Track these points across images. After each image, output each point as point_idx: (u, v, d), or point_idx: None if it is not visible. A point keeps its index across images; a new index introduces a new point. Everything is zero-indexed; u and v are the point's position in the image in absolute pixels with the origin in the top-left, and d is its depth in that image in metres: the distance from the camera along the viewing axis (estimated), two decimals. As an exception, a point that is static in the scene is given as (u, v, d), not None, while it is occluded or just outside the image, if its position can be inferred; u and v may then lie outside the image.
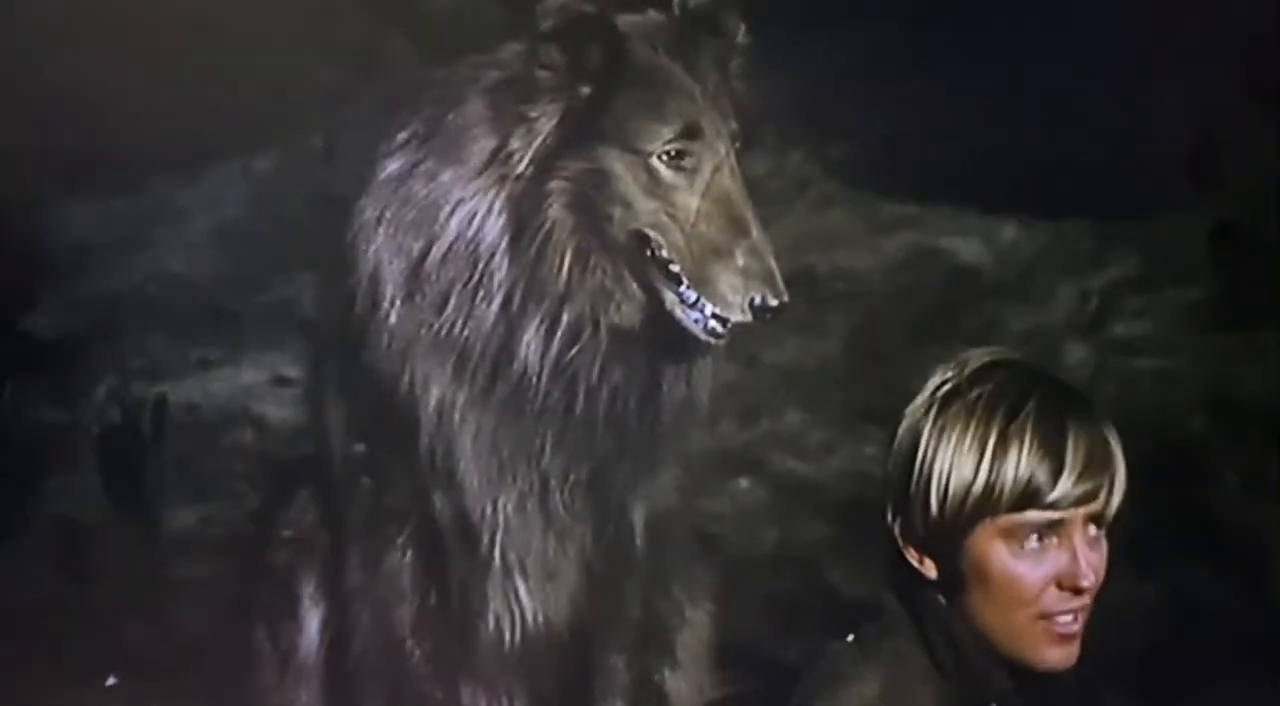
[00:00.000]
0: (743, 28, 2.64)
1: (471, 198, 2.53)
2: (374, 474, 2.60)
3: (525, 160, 2.52)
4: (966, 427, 2.52)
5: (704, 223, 2.52)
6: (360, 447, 2.61)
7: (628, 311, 2.56)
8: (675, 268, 2.51)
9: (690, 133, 2.52)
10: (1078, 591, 2.52)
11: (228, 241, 3.96)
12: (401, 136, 2.58)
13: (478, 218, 2.53)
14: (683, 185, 2.53)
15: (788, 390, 4.22)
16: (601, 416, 2.61)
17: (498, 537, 2.60)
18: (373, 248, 2.57)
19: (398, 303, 2.55)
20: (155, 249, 4.24)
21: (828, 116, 4.52)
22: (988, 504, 2.50)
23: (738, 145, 2.55)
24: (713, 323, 2.53)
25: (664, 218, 2.53)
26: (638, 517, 2.67)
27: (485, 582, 2.60)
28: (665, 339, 2.56)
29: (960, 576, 2.53)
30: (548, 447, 2.60)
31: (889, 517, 2.61)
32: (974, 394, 2.56)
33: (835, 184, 4.66)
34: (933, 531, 2.56)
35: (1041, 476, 2.49)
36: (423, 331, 2.56)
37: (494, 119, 2.53)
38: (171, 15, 3.53)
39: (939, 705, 2.52)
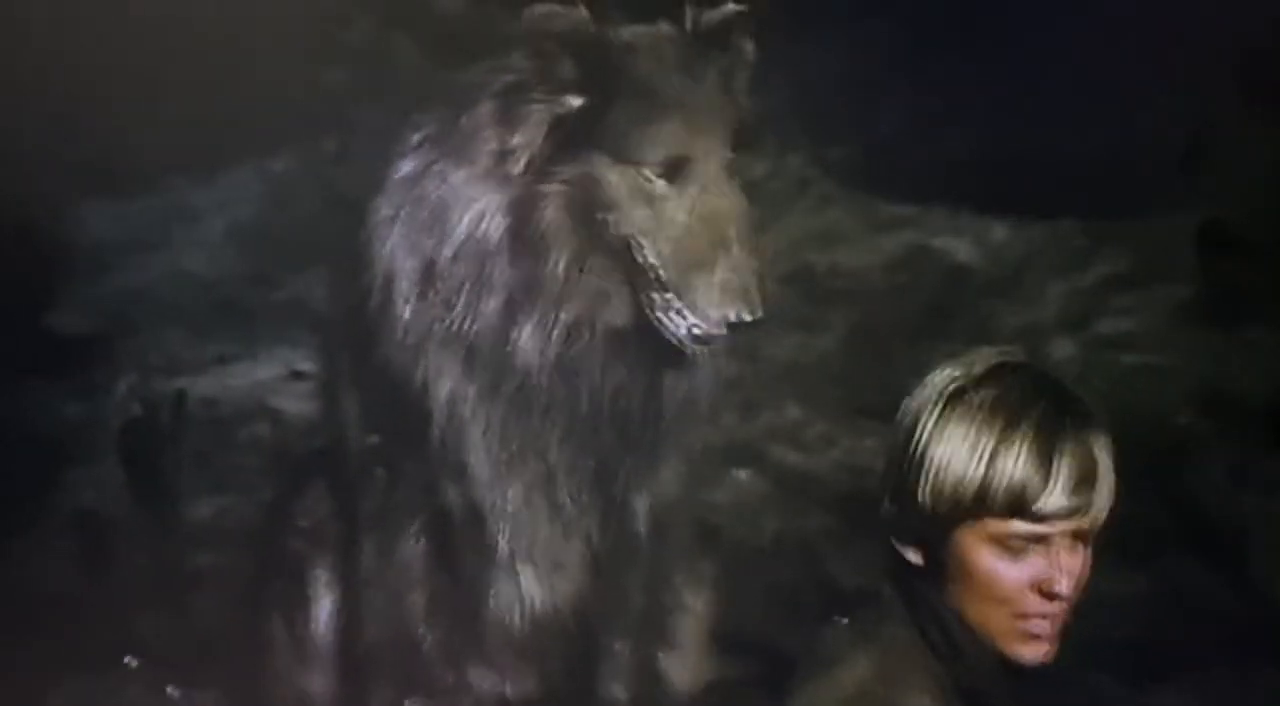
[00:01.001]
0: (752, 45, 2.64)
1: (480, 198, 2.54)
2: (387, 466, 2.61)
3: (523, 163, 2.53)
4: (968, 427, 2.54)
5: (689, 236, 2.53)
6: (374, 440, 2.62)
7: (622, 313, 2.57)
8: (661, 274, 2.53)
9: (684, 147, 2.53)
10: (1054, 597, 2.53)
11: (243, 240, 3.97)
12: (415, 138, 2.60)
13: (484, 218, 2.54)
14: (672, 197, 2.54)
15: (788, 385, 4.22)
16: (605, 412, 2.62)
17: (506, 528, 2.61)
18: (388, 245, 2.58)
19: (412, 299, 2.57)
20: (172, 248, 4.25)
21: (827, 120, 4.54)
22: (978, 505, 2.52)
23: (732, 161, 2.56)
24: (693, 331, 2.54)
25: (652, 226, 2.54)
26: (640, 509, 2.68)
27: (493, 571, 2.61)
28: (659, 340, 2.57)
29: (945, 568, 2.55)
30: (554, 442, 2.61)
31: (885, 507, 2.65)
32: (980, 396, 2.57)
33: (834, 185, 4.68)
34: (923, 523, 2.58)
35: (1032, 486, 2.50)
36: (435, 327, 2.57)
37: (499, 123, 2.54)
38: (187, 19, 3.54)
39: (932, 687, 2.56)
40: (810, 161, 4.64)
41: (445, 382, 2.58)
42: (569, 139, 2.51)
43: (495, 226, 2.55)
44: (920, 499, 2.56)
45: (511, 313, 2.56)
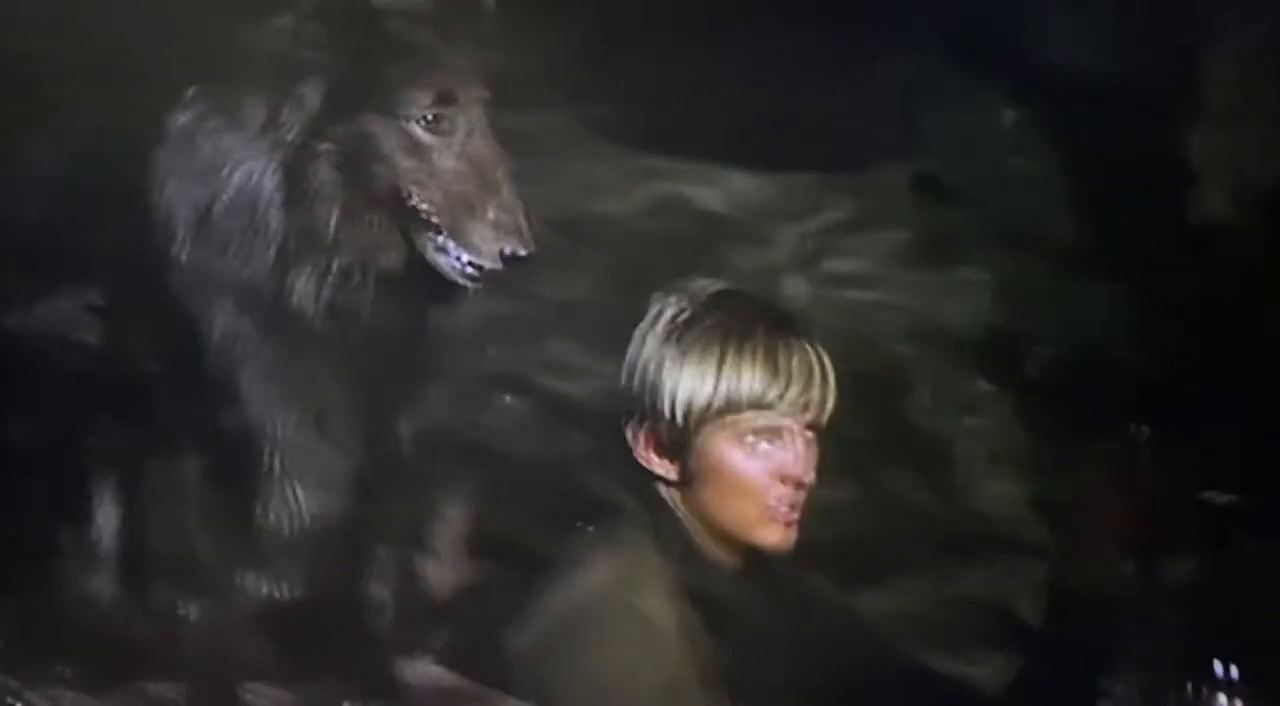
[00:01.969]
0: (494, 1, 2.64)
1: (250, 158, 2.53)
2: (170, 393, 2.59)
3: (295, 129, 2.51)
4: (704, 347, 2.68)
5: (459, 181, 2.52)
6: (158, 369, 2.60)
7: (394, 257, 2.55)
8: (434, 219, 2.52)
9: (445, 100, 2.52)
10: (797, 485, 2.68)
11: (46, 187, 3.90)
12: (190, 93, 2.57)
13: (255, 176, 2.53)
14: (439, 147, 2.53)
15: (553, 320, 4.16)
16: (376, 348, 2.61)
17: (278, 451, 2.59)
18: (166, 194, 2.56)
19: (189, 244, 2.54)
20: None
21: (591, 82, 4.48)
22: (722, 410, 2.66)
23: (491, 111, 2.56)
24: (468, 269, 2.53)
25: (423, 175, 2.53)
26: (406, 432, 2.68)
27: (266, 487, 2.59)
28: (431, 281, 2.57)
29: (696, 475, 2.66)
30: (325, 376, 2.60)
31: (630, 426, 2.71)
32: (709, 321, 2.69)
33: (598, 141, 4.60)
34: (675, 438, 2.68)
35: (767, 389, 2.66)
36: (210, 271, 2.55)
37: (267, 90, 2.52)
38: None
39: (665, 587, 2.66)
40: (576, 120, 4.56)
41: (220, 320, 2.56)
42: (337, 100, 2.50)
43: (267, 183, 2.53)
44: (669, 414, 2.67)
45: (285, 261, 2.55)
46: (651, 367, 2.74)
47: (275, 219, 2.54)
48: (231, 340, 2.57)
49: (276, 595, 2.64)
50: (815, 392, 2.72)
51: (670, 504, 2.73)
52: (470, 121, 2.54)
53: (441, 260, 2.53)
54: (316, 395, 2.61)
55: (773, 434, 2.70)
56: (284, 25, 2.55)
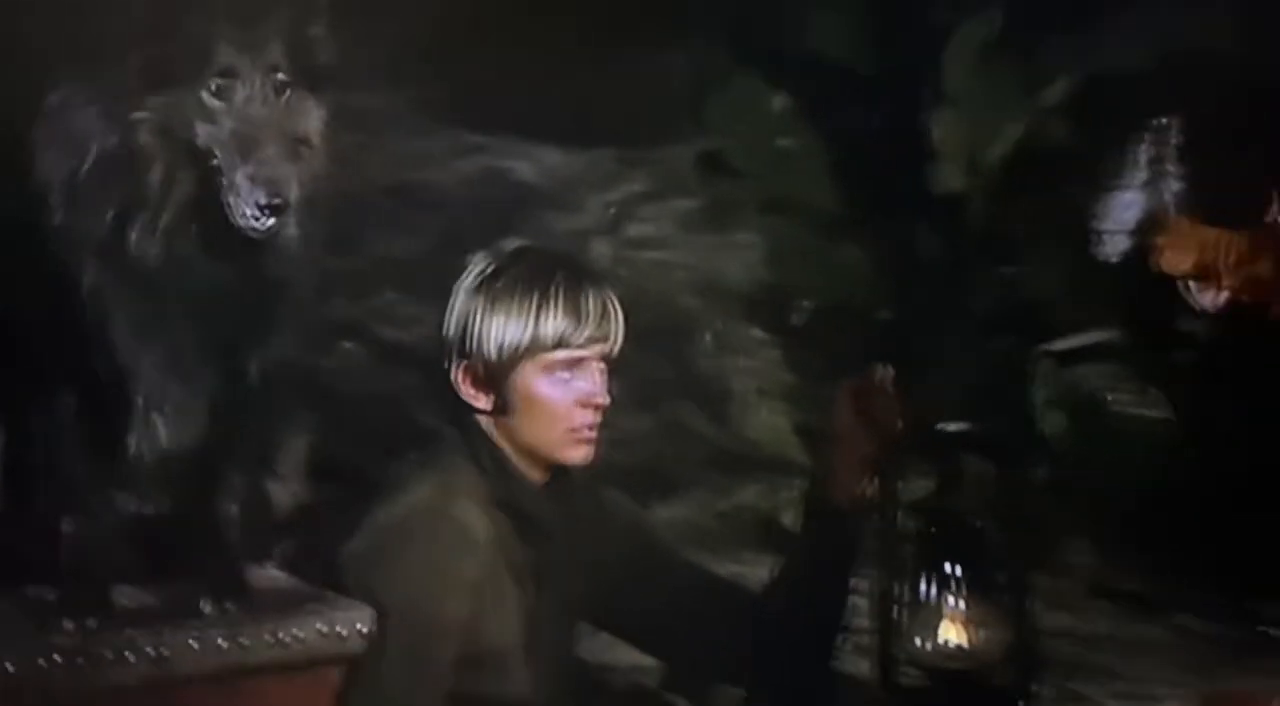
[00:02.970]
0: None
1: (101, 130, 2.50)
2: (51, 339, 2.56)
3: (128, 102, 2.48)
4: (512, 294, 2.71)
5: (235, 141, 2.48)
6: (41, 317, 2.56)
7: (213, 215, 2.51)
8: (225, 177, 2.48)
9: (228, 73, 2.47)
10: (596, 408, 2.72)
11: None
12: (61, 74, 2.53)
13: (105, 145, 2.50)
14: (223, 111, 2.48)
15: (388, 274, 4.23)
16: (219, 298, 2.57)
17: (141, 388, 2.56)
18: (43, 166, 2.52)
19: (61, 209, 2.51)
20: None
21: (424, 68, 4.45)
22: (532, 348, 2.69)
23: (279, 79, 2.50)
24: (243, 218, 2.48)
25: (217, 137, 2.48)
26: (253, 371, 2.65)
27: (133, 419, 2.57)
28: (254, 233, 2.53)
29: (509, 404, 2.71)
30: (177, 323, 2.56)
31: (452, 366, 2.74)
32: (515, 271, 2.72)
33: (427, 120, 4.61)
34: (490, 373, 2.71)
35: (569, 329, 2.69)
36: (77, 232, 2.52)
37: (112, 67, 2.49)
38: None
39: (480, 500, 2.69)
40: (410, 102, 4.56)
41: (87, 276, 2.52)
42: (152, 74, 2.47)
43: (110, 151, 2.50)
44: (484, 354, 2.70)
45: (123, 221, 2.51)
46: (469, 315, 2.75)
47: (118, 182, 2.51)
48: (98, 292, 2.53)
49: (142, 511, 2.62)
50: (609, 329, 2.74)
51: (486, 430, 2.74)
52: (250, 90, 2.49)
53: (234, 214, 2.49)
54: (171, 338, 2.57)
55: (574, 366, 2.72)
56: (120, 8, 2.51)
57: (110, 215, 2.52)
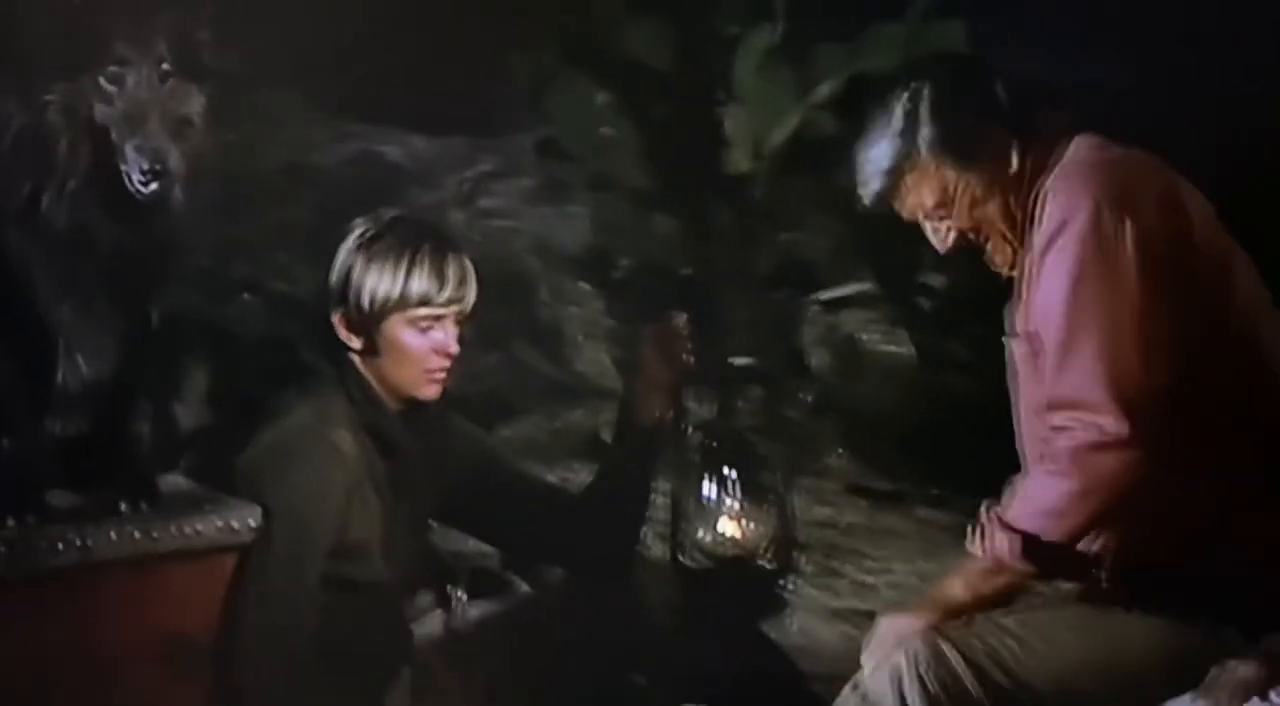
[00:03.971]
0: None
1: (20, 110, 2.51)
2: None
3: (37, 87, 2.50)
4: (386, 256, 2.71)
5: (124, 119, 2.48)
6: None
7: (113, 183, 2.50)
8: (117, 150, 2.48)
9: (120, 62, 2.48)
10: (447, 356, 2.74)
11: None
12: None
13: (20, 127, 2.52)
14: (117, 94, 2.48)
15: (282, 239, 4.22)
16: (122, 255, 2.57)
17: (63, 332, 2.58)
18: None
19: None
20: None
21: (313, 66, 4.39)
22: (400, 303, 2.70)
23: (164, 69, 2.49)
24: (138, 185, 2.48)
25: (114, 116, 2.48)
26: (155, 316, 2.66)
27: (55, 357, 2.58)
28: (142, 198, 2.51)
29: (378, 347, 2.73)
30: (88, 276, 2.58)
31: (333, 314, 2.75)
32: (389, 238, 2.73)
33: (314, 111, 4.67)
34: (363, 322, 2.72)
35: (432, 290, 2.70)
36: (8, 206, 2.54)
37: (30, 59, 2.51)
38: None
39: (350, 424, 2.72)
40: (301, 95, 4.61)
41: (14, 240, 2.54)
42: (59, 63, 2.49)
43: (24, 129, 2.51)
44: (363, 306, 2.70)
45: (37, 192, 2.52)
46: (349, 270, 2.72)
47: (31, 156, 2.51)
48: (25, 254, 2.53)
49: (69, 431, 2.62)
50: (465, 293, 2.73)
51: (356, 367, 2.73)
52: (138, 77, 2.47)
53: (127, 179, 2.48)
54: (83, 290, 2.56)
55: (434, 320, 2.70)
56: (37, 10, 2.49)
57: (26, 187, 2.51)
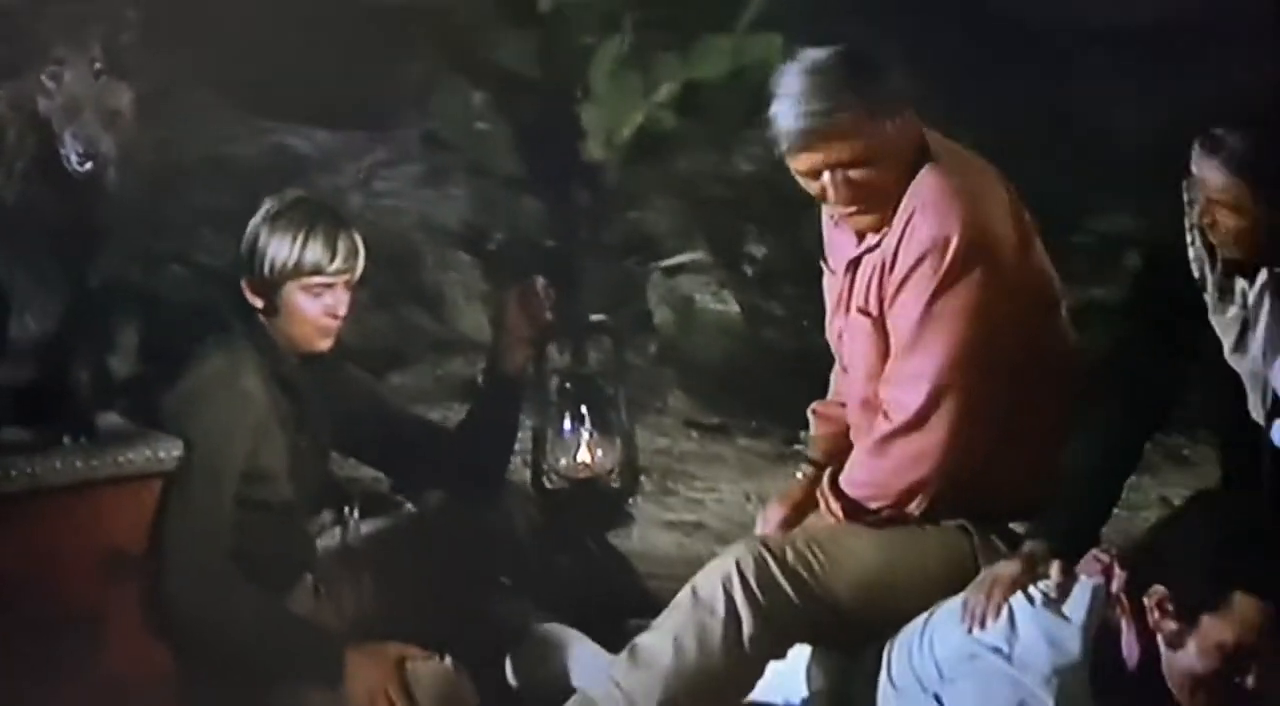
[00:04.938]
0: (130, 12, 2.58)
1: None
2: None
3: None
4: (285, 229, 2.71)
5: (61, 110, 2.48)
6: None
7: (55, 165, 2.51)
8: (57, 137, 2.49)
9: (57, 62, 2.49)
10: (335, 316, 2.73)
11: None
12: None
13: None
14: (55, 89, 2.49)
15: (206, 218, 4.19)
16: (65, 229, 2.57)
17: (13, 295, 2.58)
18: None
19: None
20: None
21: (231, 68, 4.48)
22: (296, 271, 2.70)
23: (96, 68, 2.49)
24: (75, 166, 2.49)
25: (53, 108, 2.49)
26: (95, 281, 2.65)
27: (8, 315, 2.58)
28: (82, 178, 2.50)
29: (278, 308, 2.73)
30: (38, 248, 2.58)
31: (243, 279, 2.75)
32: (291, 214, 2.73)
33: (233, 108, 4.64)
34: (266, 286, 2.72)
35: (324, 260, 2.70)
36: None
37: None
38: None
39: (259, 371, 2.72)
40: (219, 94, 4.59)
41: None
42: (7, 65, 2.49)
43: None
44: (264, 271, 2.70)
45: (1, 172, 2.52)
46: (255, 241, 2.71)
47: None
48: None
49: (19, 376, 2.61)
50: (354, 264, 2.71)
51: (263, 323, 2.72)
52: (74, 74, 2.47)
53: (65, 161, 2.48)
54: (33, 257, 2.56)
55: (325, 287, 2.69)
56: None
57: None
